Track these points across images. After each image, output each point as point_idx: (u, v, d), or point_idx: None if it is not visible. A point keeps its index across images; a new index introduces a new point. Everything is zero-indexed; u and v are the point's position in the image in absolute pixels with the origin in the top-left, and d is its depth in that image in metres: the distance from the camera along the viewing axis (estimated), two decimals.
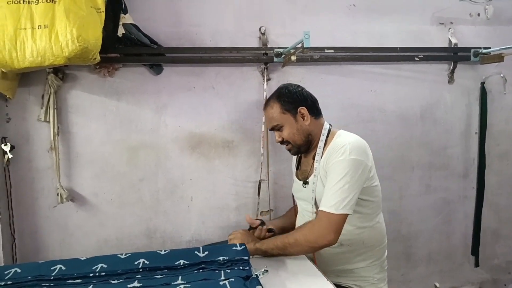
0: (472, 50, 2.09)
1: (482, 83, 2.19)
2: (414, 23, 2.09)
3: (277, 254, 1.40)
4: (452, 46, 2.10)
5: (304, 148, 1.53)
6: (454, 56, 2.11)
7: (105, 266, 1.22)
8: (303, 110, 1.49)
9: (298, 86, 1.55)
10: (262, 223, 1.64)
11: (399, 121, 2.13)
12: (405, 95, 2.12)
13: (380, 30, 2.05)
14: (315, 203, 1.46)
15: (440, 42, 2.13)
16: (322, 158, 1.44)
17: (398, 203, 2.19)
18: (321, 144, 1.47)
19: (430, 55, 2.07)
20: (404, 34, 2.08)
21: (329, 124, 1.55)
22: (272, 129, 1.54)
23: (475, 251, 2.34)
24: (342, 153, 1.34)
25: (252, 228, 1.60)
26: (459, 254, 2.35)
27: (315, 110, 1.53)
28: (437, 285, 2.32)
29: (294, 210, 1.74)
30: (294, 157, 1.73)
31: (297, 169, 1.66)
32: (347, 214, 1.31)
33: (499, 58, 2.02)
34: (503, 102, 2.25)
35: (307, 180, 1.52)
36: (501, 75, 2.19)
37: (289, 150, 1.57)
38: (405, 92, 2.12)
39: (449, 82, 2.17)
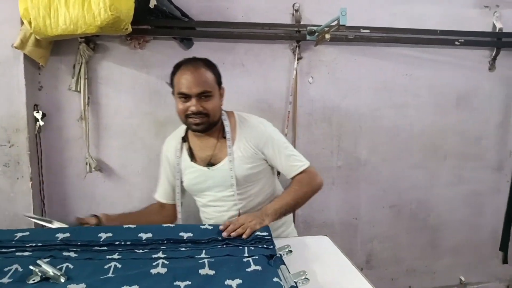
0: None
1: None
2: (456, 4, 1.98)
3: (288, 213, 1.46)
4: (497, 31, 1.99)
5: (212, 127, 1.41)
6: (498, 41, 2.00)
7: (132, 227, 1.23)
8: (223, 90, 1.46)
9: None
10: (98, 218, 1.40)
11: (433, 107, 2.05)
12: (441, 81, 2.03)
13: (419, 11, 1.95)
14: (237, 183, 1.42)
15: (484, 26, 2.01)
16: (237, 140, 1.43)
17: (427, 192, 2.13)
18: (226, 123, 1.45)
19: (471, 39, 1.97)
20: (445, 16, 1.98)
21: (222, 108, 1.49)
22: (198, 95, 1.33)
23: (504, 247, 2.26)
24: (265, 128, 1.46)
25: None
26: (488, 249, 2.28)
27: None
28: (463, 279, 2.27)
29: (154, 208, 1.60)
30: (171, 148, 1.53)
31: (191, 158, 1.47)
32: None
33: None
34: None
35: (216, 164, 1.43)
36: None
37: (200, 124, 1.37)
38: (442, 78, 2.03)
39: (489, 69, 2.06)
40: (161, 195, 1.59)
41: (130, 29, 1.53)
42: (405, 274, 2.23)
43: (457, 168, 2.14)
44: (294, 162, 1.45)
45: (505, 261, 2.28)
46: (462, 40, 1.95)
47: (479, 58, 2.05)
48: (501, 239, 2.26)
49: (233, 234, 1.19)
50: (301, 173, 1.44)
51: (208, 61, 1.43)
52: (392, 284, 2.22)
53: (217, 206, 1.50)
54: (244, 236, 1.19)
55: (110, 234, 1.22)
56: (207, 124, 1.38)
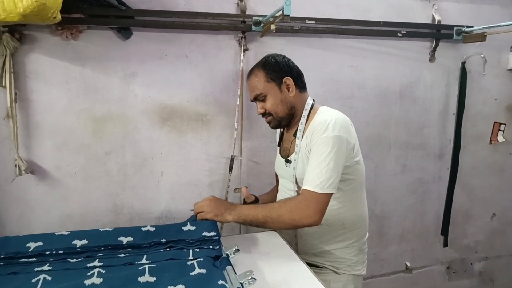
0: (455, 28, 2.04)
1: (463, 63, 2.16)
2: None
3: (254, 226, 1.33)
4: (436, 23, 2.05)
5: (285, 122, 1.45)
6: (437, 33, 2.06)
7: (65, 234, 1.14)
8: (288, 80, 1.40)
9: (284, 56, 1.47)
10: (256, 199, 1.58)
11: (378, 98, 2.08)
12: (385, 72, 2.07)
13: (363, 3, 1.96)
14: (296, 182, 1.40)
15: (423, 19, 2.07)
16: (305, 135, 1.37)
17: (373, 182, 2.17)
18: (303, 120, 1.40)
19: (413, 31, 2.01)
20: (388, 8, 2.00)
21: (313, 99, 1.47)
22: (255, 99, 1.44)
23: (444, 231, 2.37)
24: (325, 130, 1.27)
25: (246, 203, 1.56)
26: (431, 234, 2.37)
27: (300, 83, 1.45)
28: (408, 264, 2.35)
29: (276, 188, 1.66)
30: (278, 133, 1.65)
31: (279, 145, 1.59)
32: (332, 193, 1.26)
33: (481, 37, 1.99)
34: (482, 83, 2.24)
35: (289, 158, 1.45)
36: (482, 55, 2.16)
37: (269, 123, 1.47)
38: (386, 69, 2.07)
39: (430, 60, 2.12)
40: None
41: (59, 17, 1.39)
42: None
43: (401, 157, 2.20)
44: (310, 175, 1.27)
45: (445, 244, 2.39)
46: (404, 32, 1.99)
47: (420, 49, 2.10)
48: (442, 224, 2.36)
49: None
50: (304, 192, 1.27)
51: (264, 61, 1.45)
52: None
53: (283, 194, 1.51)
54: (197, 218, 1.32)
55: (40, 243, 1.11)
56: (276, 121, 1.45)
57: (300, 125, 1.40)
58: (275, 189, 1.70)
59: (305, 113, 1.41)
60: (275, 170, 1.63)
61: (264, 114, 1.45)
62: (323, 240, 1.42)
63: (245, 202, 1.58)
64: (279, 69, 1.41)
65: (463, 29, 2.04)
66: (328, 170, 1.24)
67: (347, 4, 1.94)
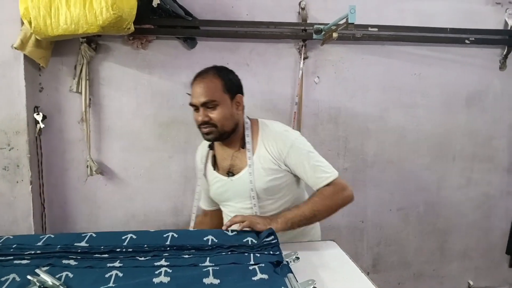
0: None
1: None
2: (467, 2, 1.93)
3: (302, 225, 1.35)
4: (509, 28, 1.93)
5: (225, 136, 1.37)
6: (510, 39, 1.94)
7: (134, 237, 1.19)
8: (239, 98, 1.37)
9: (235, 72, 1.42)
10: None
11: (442, 107, 2.00)
12: (451, 80, 1.98)
13: (429, 9, 1.90)
14: (256, 194, 1.37)
15: (495, 24, 1.96)
16: (257, 150, 1.36)
17: (436, 195, 2.08)
18: (247, 132, 1.38)
19: (482, 38, 1.91)
20: (455, 13, 1.92)
21: (247, 116, 1.44)
22: (203, 104, 1.31)
23: (510, 250, 2.21)
24: (289, 138, 1.35)
25: None
26: (497, 253, 2.23)
27: (243, 103, 1.41)
28: (471, 283, 2.21)
29: (210, 219, 1.59)
30: (200, 159, 1.52)
31: (214, 167, 1.46)
32: None
33: None
34: None
35: (236, 173, 1.39)
36: None
37: (208, 133, 1.35)
38: (451, 77, 1.98)
39: (500, 68, 2.01)
40: (203, 203, 1.58)
41: (132, 28, 1.49)
42: (412, 278, 2.18)
43: (466, 170, 2.09)
44: (320, 173, 1.33)
45: (511, 264, 2.23)
46: (473, 39, 1.89)
47: (489, 57, 1.99)
48: (507, 242, 2.21)
49: (229, 225, 1.24)
50: (327, 185, 1.32)
51: (221, 69, 1.39)
52: None
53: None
54: (239, 227, 1.23)
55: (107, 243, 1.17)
56: (217, 134, 1.35)
57: (246, 138, 1.37)
58: (207, 220, 1.60)
59: (247, 127, 1.39)
60: (211, 197, 1.51)
61: (206, 123, 1.33)
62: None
63: None
64: (234, 84, 1.37)
65: None
66: (320, 160, 1.35)
67: (411, 9, 1.89)
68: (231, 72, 1.39)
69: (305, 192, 1.50)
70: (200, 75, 1.36)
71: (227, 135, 1.37)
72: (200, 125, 1.34)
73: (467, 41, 1.89)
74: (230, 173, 1.41)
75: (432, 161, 2.04)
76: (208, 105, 1.31)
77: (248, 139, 1.37)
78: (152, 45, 1.74)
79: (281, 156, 1.35)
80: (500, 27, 1.96)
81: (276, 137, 1.35)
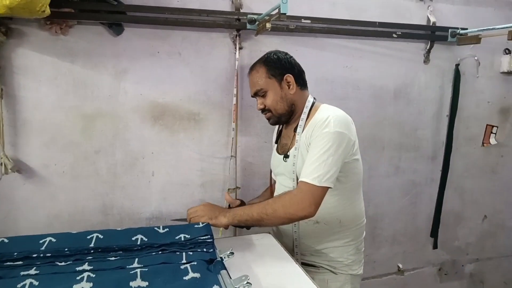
0: (449, 30, 2.04)
1: (457, 65, 2.15)
2: None
3: (250, 225, 1.34)
4: (430, 24, 2.04)
5: (285, 118, 1.45)
6: (432, 35, 2.06)
7: (54, 240, 1.09)
8: (289, 77, 1.41)
9: (287, 53, 1.47)
10: (242, 203, 1.56)
11: (372, 99, 2.07)
12: (380, 73, 2.05)
13: (359, 3, 1.94)
14: (296, 178, 1.37)
15: (419, 20, 2.06)
16: (304, 131, 1.37)
17: (366, 183, 2.12)
18: (303, 116, 1.41)
19: (408, 32, 2.00)
20: (384, 8, 1.99)
21: (314, 97, 1.48)
22: (255, 94, 1.45)
23: (434, 233, 2.37)
24: (326, 125, 1.28)
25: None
26: (422, 236, 2.37)
27: (301, 80, 1.46)
28: (400, 266, 2.34)
29: (270, 190, 1.65)
30: (275, 131, 1.65)
31: (276, 142, 1.58)
32: (328, 188, 1.25)
33: (476, 39, 1.99)
34: (475, 85, 2.24)
35: (288, 154, 1.44)
36: (475, 57, 2.15)
37: (268, 119, 1.47)
38: (381, 70, 2.05)
39: (424, 62, 2.12)
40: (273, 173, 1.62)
41: (48, 11, 1.34)
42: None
43: (394, 159, 2.19)
44: (308, 169, 1.26)
45: (435, 246, 2.39)
46: (400, 33, 1.97)
47: (415, 51, 2.09)
48: (431, 226, 2.36)
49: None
50: (301, 184, 1.26)
51: (266, 57, 1.45)
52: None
53: (277, 193, 1.49)
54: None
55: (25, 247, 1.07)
56: (275, 118, 1.45)
57: (300, 121, 1.40)
58: (268, 191, 1.68)
59: (305, 110, 1.42)
60: (271, 169, 1.61)
61: (264, 110, 1.45)
62: (320, 239, 1.41)
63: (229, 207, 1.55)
64: (280, 66, 1.41)
65: (458, 31, 2.03)
66: (327, 164, 1.23)
67: (342, 3, 1.92)
68: (279, 55, 1.45)
69: (357, 191, 1.49)
70: (251, 67, 1.48)
71: (286, 117, 1.45)
72: (262, 112, 1.46)
73: (394, 35, 1.97)
74: (283, 152, 1.47)
75: (363, 151, 2.07)
76: (259, 93, 1.43)
77: (301, 122, 1.40)
78: (74, 31, 1.60)
79: (311, 137, 1.31)
80: (424, 22, 2.06)
81: (319, 122, 1.30)
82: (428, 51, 2.09)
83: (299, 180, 1.28)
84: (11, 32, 1.54)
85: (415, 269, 2.41)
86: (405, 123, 2.16)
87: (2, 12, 1.20)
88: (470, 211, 2.44)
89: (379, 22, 1.93)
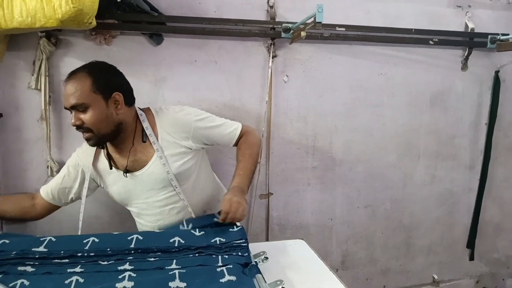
0: (489, 36, 1.99)
1: (496, 72, 2.10)
2: (430, 4, 1.98)
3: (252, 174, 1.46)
4: (469, 31, 2.00)
5: (108, 139, 1.31)
6: (470, 41, 2.01)
7: (96, 240, 1.15)
8: (118, 96, 1.27)
9: (116, 68, 1.35)
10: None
11: (408, 107, 2.05)
12: (416, 80, 2.03)
13: (395, 10, 1.94)
14: (175, 178, 1.35)
15: (456, 26, 2.02)
16: (164, 134, 1.35)
17: (401, 192, 2.13)
18: (146, 125, 1.34)
19: (445, 39, 1.97)
20: (419, 15, 1.97)
21: (138, 107, 1.40)
22: (72, 107, 1.23)
23: (471, 244, 2.30)
24: (187, 116, 1.39)
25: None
26: (460, 247, 2.31)
27: (130, 98, 1.35)
28: (435, 277, 2.28)
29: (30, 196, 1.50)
30: (84, 160, 1.43)
31: (115, 167, 1.39)
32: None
33: None
34: None
35: (141, 168, 1.35)
36: None
37: (88, 140, 1.29)
38: (416, 77, 2.03)
39: (462, 69, 2.07)
40: (44, 191, 1.46)
41: (94, 23, 1.42)
42: (380, 274, 2.22)
43: (430, 167, 2.15)
44: (228, 129, 1.45)
45: (471, 258, 2.32)
46: (436, 40, 1.95)
47: (452, 58, 2.06)
48: (468, 237, 2.29)
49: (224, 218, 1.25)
50: (241, 136, 1.46)
51: (95, 65, 1.29)
52: (367, 284, 2.21)
53: (149, 215, 1.43)
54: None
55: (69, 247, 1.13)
56: (96, 139, 1.28)
57: (147, 130, 1.33)
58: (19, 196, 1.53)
59: (144, 120, 1.35)
60: (123, 202, 1.47)
61: (81, 128, 1.26)
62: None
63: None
64: (110, 82, 1.28)
65: (498, 37, 1.98)
66: (221, 119, 1.46)
67: (377, 10, 1.92)
68: (108, 68, 1.32)
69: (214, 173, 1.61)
70: (70, 75, 1.26)
71: (110, 138, 1.30)
72: (77, 129, 1.27)
73: (430, 42, 1.94)
74: (132, 169, 1.35)
75: (398, 159, 2.08)
76: (78, 108, 1.23)
77: (148, 131, 1.34)
78: (116, 41, 1.68)
79: (188, 135, 1.37)
80: (461, 29, 2.03)
81: (175, 120, 1.37)
82: (466, 58, 2.04)
83: (234, 139, 1.45)
84: (60, 43, 1.63)
85: (451, 281, 2.34)
86: (442, 131, 2.12)
87: (55, 25, 1.28)
88: (511, 222, 2.35)
89: (415, 29, 1.91)
